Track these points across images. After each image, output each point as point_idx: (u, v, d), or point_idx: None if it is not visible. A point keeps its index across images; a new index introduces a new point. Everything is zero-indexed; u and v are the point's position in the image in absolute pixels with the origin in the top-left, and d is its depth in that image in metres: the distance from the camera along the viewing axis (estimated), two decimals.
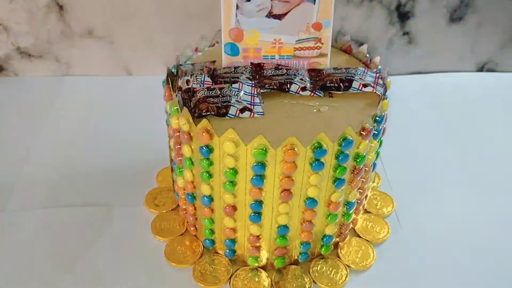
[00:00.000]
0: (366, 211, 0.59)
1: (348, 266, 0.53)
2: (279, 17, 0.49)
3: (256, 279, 0.51)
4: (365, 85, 0.48)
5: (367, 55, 0.54)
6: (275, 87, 0.48)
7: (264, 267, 0.52)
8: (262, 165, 0.43)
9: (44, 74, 0.81)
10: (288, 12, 0.49)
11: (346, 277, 0.52)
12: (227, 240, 0.51)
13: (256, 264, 0.52)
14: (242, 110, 0.46)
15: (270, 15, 0.49)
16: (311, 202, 0.46)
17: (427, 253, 0.55)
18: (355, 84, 0.48)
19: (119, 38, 0.78)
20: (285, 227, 0.48)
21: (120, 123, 0.72)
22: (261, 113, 0.46)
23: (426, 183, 0.64)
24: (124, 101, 0.77)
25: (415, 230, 0.57)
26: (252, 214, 0.47)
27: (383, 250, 0.55)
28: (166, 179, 0.62)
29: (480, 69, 0.85)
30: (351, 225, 0.55)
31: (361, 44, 0.80)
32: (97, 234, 0.56)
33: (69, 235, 0.56)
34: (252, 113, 0.46)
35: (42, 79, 0.80)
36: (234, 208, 0.47)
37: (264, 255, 0.51)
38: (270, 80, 0.49)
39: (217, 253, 0.54)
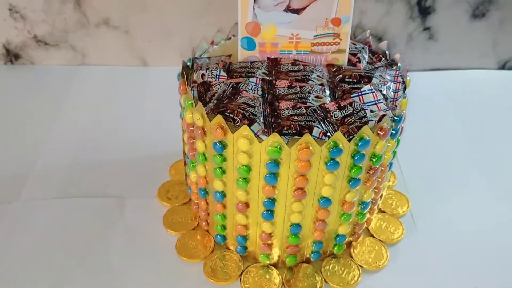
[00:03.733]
0: (380, 211, 0.58)
1: (360, 266, 0.52)
2: (297, 11, 0.48)
3: (267, 276, 0.51)
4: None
5: (387, 51, 0.53)
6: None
7: (275, 265, 0.52)
8: (276, 163, 0.42)
9: (59, 63, 0.81)
10: (307, 6, 0.48)
11: (358, 278, 0.51)
12: (239, 237, 0.50)
13: (268, 262, 0.51)
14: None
15: (288, 9, 0.48)
16: (325, 201, 0.45)
17: (442, 254, 0.54)
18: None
19: (135, 28, 0.78)
20: (298, 225, 0.47)
21: (135, 113, 0.72)
22: None
23: (443, 182, 0.62)
24: (139, 92, 0.77)
25: (431, 231, 0.56)
26: (265, 211, 0.46)
27: (397, 251, 0.54)
28: (179, 172, 0.62)
29: (502, 67, 0.83)
30: (364, 225, 0.54)
31: (380, 39, 0.79)
32: (109, 226, 0.56)
33: (81, 226, 0.56)
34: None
35: (57, 68, 0.80)
36: (247, 205, 0.47)
37: (275, 253, 0.51)
38: (287, 76, 0.47)
39: (228, 248, 0.53)
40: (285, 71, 0.48)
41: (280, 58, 0.50)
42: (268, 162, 0.42)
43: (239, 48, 0.50)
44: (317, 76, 0.48)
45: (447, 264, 0.53)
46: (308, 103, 0.45)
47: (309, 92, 0.46)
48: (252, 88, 0.46)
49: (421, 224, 0.57)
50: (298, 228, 0.47)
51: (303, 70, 0.48)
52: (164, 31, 0.78)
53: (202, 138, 0.45)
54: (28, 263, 0.52)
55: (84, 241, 0.54)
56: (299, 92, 0.46)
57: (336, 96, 0.47)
